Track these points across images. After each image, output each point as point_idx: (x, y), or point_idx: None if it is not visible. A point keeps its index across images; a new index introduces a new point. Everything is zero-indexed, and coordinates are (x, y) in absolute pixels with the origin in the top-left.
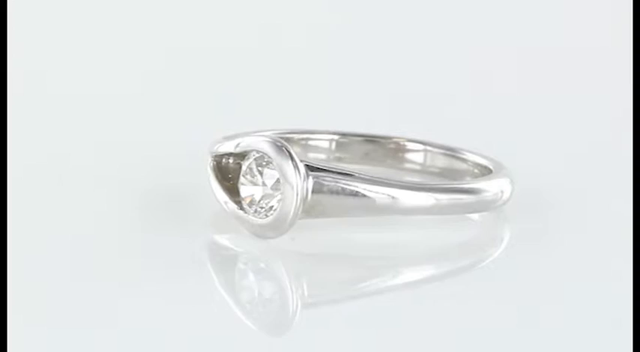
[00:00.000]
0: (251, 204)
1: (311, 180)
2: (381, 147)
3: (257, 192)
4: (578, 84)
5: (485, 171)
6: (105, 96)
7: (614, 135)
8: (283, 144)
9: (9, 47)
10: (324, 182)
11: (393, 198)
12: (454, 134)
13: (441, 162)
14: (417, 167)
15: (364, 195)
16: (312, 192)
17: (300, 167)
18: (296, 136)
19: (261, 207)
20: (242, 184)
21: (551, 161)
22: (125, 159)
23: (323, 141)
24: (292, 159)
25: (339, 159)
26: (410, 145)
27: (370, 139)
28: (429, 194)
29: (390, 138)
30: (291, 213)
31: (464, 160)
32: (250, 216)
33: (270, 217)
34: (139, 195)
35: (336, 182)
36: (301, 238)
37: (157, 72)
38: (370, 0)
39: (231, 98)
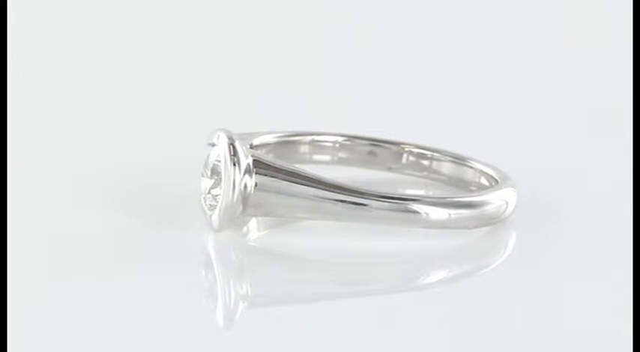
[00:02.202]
0: (205, 196)
1: (254, 177)
2: (385, 151)
3: (207, 185)
4: (580, 89)
5: (492, 182)
6: (109, 96)
7: (615, 141)
8: (232, 139)
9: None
10: (269, 179)
11: (343, 202)
12: (458, 139)
13: (446, 169)
14: (421, 173)
15: (312, 198)
16: (256, 188)
17: (241, 162)
18: (304, 138)
19: (210, 200)
20: (202, 176)
21: (554, 166)
22: (133, 158)
23: (328, 143)
24: (234, 153)
25: (343, 161)
26: (414, 150)
27: (376, 143)
28: (385, 203)
29: (395, 143)
30: (227, 207)
31: (469, 169)
32: (205, 209)
33: (214, 210)
34: (133, 194)
35: (284, 181)
36: (285, 239)
37: (169, 73)
38: (383, 3)
39: (238, 100)
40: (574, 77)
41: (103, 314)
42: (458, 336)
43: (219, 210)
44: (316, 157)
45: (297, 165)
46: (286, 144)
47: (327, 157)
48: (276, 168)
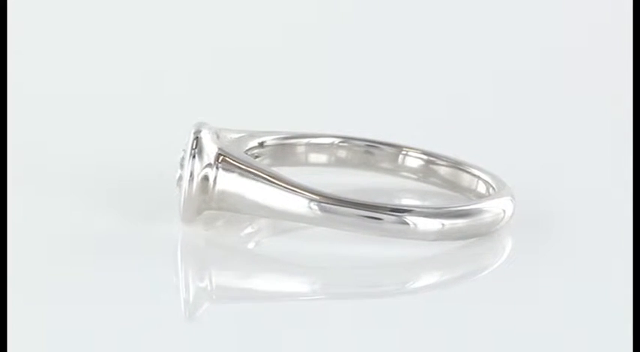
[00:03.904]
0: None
1: (215, 170)
2: (382, 153)
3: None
4: (579, 94)
5: (489, 188)
6: (106, 95)
7: (614, 146)
8: (198, 132)
9: None
10: (232, 174)
11: (306, 207)
12: (455, 143)
13: (443, 174)
14: (414, 175)
15: (274, 198)
16: (217, 183)
17: (202, 154)
18: (300, 140)
19: (178, 192)
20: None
21: (552, 171)
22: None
23: (325, 145)
24: (195, 146)
25: (340, 162)
26: (411, 153)
27: (372, 145)
28: (344, 209)
29: (392, 145)
30: (185, 198)
31: (466, 175)
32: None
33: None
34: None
35: (247, 178)
36: (286, 245)
37: (164, 73)
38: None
39: (236, 100)
40: (572, 82)
41: (81, 307)
42: (449, 340)
43: (181, 202)
44: (312, 158)
45: (272, 168)
46: (283, 146)
47: (323, 159)
48: (242, 164)
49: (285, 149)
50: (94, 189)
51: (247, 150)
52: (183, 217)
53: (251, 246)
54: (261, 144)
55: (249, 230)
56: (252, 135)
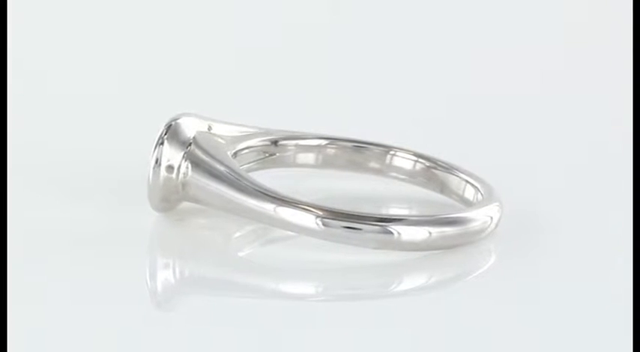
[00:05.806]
0: None
1: (181, 159)
2: (370, 153)
3: None
4: (574, 97)
5: (477, 193)
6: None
7: (610, 147)
8: (174, 120)
9: None
10: (197, 167)
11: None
12: (444, 144)
13: (431, 176)
14: (402, 176)
15: (233, 197)
16: (181, 172)
17: (173, 142)
18: (289, 142)
19: None
20: None
21: (543, 173)
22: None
23: (313, 146)
24: (165, 133)
25: (327, 163)
26: (400, 154)
27: (360, 145)
28: (310, 215)
29: (380, 145)
30: (149, 185)
31: (455, 178)
32: None
33: None
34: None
35: (210, 173)
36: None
37: (153, 72)
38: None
39: (234, 100)
40: (568, 83)
41: (80, 306)
42: (440, 342)
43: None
44: (300, 158)
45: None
46: (274, 147)
47: (310, 158)
48: (210, 157)
49: (276, 150)
50: (92, 187)
51: (250, 147)
52: (151, 205)
53: (237, 247)
54: (274, 143)
55: (237, 234)
56: (267, 132)
